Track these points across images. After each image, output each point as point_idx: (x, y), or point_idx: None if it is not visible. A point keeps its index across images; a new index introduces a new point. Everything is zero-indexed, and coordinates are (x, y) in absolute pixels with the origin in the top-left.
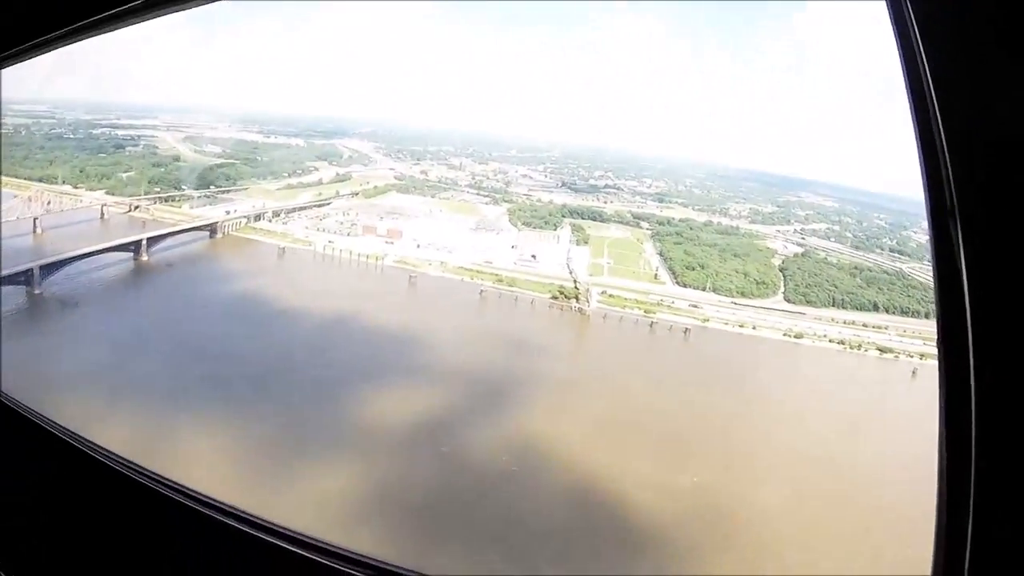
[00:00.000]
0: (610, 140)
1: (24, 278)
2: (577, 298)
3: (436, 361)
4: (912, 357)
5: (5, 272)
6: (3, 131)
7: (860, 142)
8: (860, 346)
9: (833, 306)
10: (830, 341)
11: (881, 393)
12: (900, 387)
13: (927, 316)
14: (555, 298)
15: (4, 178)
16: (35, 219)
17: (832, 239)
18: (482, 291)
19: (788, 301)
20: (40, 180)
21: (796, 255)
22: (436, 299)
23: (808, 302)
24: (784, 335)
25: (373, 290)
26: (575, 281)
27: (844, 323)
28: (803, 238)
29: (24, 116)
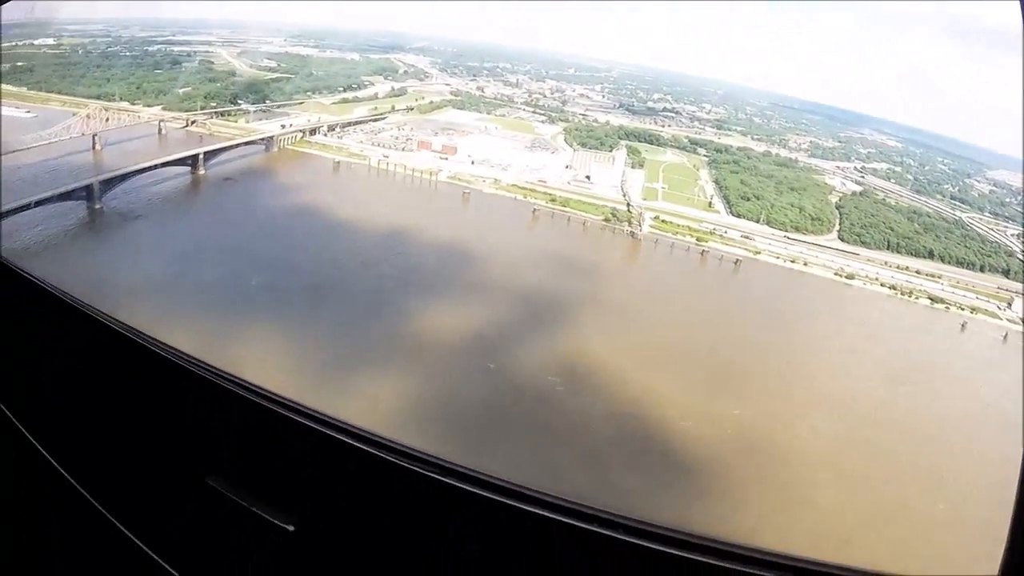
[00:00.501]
0: (669, 63)
1: (85, 193)
2: (629, 222)
3: (487, 278)
4: (963, 310)
5: (66, 188)
6: (61, 51)
7: (931, 83)
8: (911, 293)
9: (888, 249)
10: (881, 285)
11: (928, 344)
12: (948, 340)
13: (983, 269)
14: (607, 220)
15: (63, 97)
16: (94, 136)
17: (892, 180)
18: (535, 210)
19: (842, 240)
20: (98, 98)
21: (854, 193)
22: (489, 216)
23: (862, 243)
24: (835, 275)
25: (426, 205)
26: (628, 204)
27: (897, 268)
28: (862, 176)
29: (80, 36)
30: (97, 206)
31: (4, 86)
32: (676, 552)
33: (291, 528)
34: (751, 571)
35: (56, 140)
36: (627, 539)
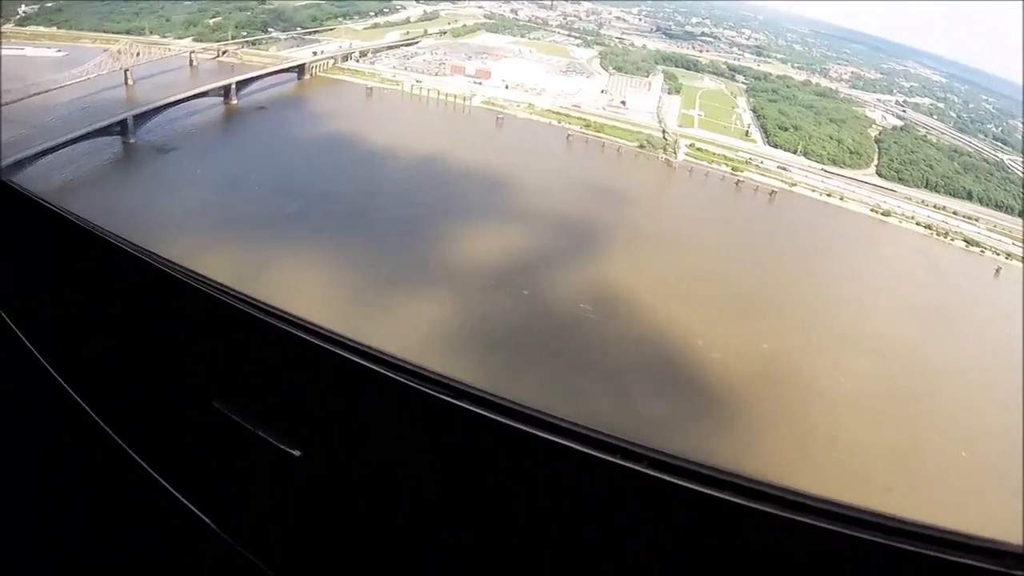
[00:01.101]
0: None
1: (119, 128)
2: (665, 149)
3: (520, 204)
4: (998, 255)
5: (100, 124)
6: None
7: (979, 18)
8: (947, 234)
9: (926, 187)
10: (917, 224)
11: (961, 288)
12: (981, 285)
13: (1023, 215)
14: (642, 147)
15: (93, 34)
16: (125, 71)
17: (934, 116)
18: (569, 135)
19: (880, 176)
20: (127, 33)
21: (894, 128)
22: (522, 142)
23: (900, 180)
24: (871, 211)
25: (460, 131)
26: (664, 131)
27: (934, 207)
28: (904, 111)
29: None
30: (131, 140)
31: (34, 27)
32: (699, 488)
33: (297, 453)
34: (788, 515)
35: (88, 77)
36: (649, 472)
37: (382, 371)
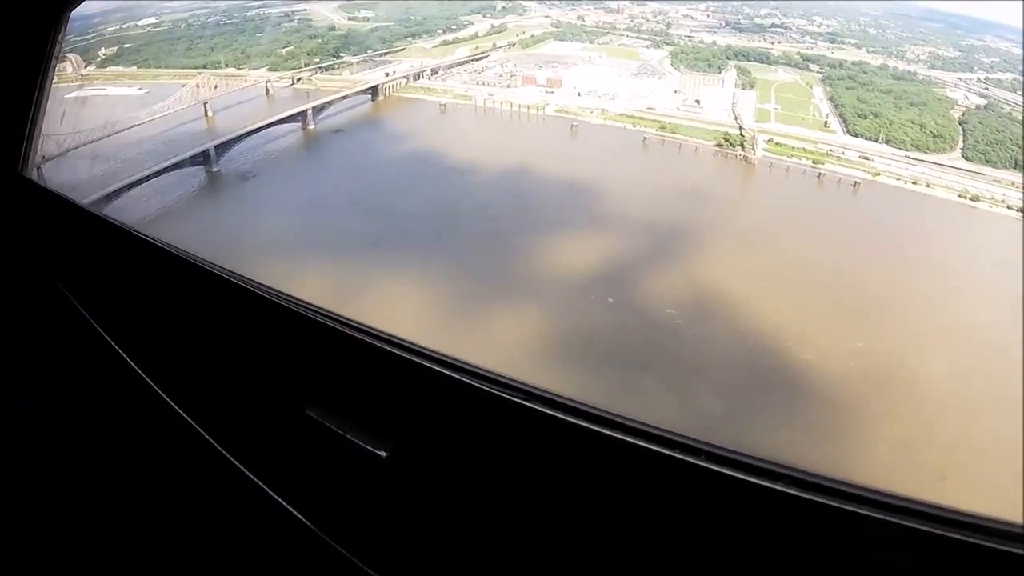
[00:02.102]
0: None
1: (202, 158)
2: (743, 145)
3: (600, 211)
4: None
5: (184, 155)
6: (163, 28)
7: None
8: None
9: (1015, 168)
10: (1008, 208)
11: None
12: None
13: None
14: (719, 145)
15: (171, 71)
16: (204, 104)
17: (1019, 92)
18: (645, 138)
19: (966, 159)
20: (204, 67)
21: (978, 107)
22: (599, 148)
23: (988, 161)
24: (959, 196)
25: (535, 141)
26: (740, 127)
27: (1022, 188)
28: (987, 88)
29: (181, 11)
30: (214, 169)
31: (115, 68)
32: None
33: (384, 455)
34: (844, 506)
35: (170, 112)
36: (707, 465)
37: (457, 376)
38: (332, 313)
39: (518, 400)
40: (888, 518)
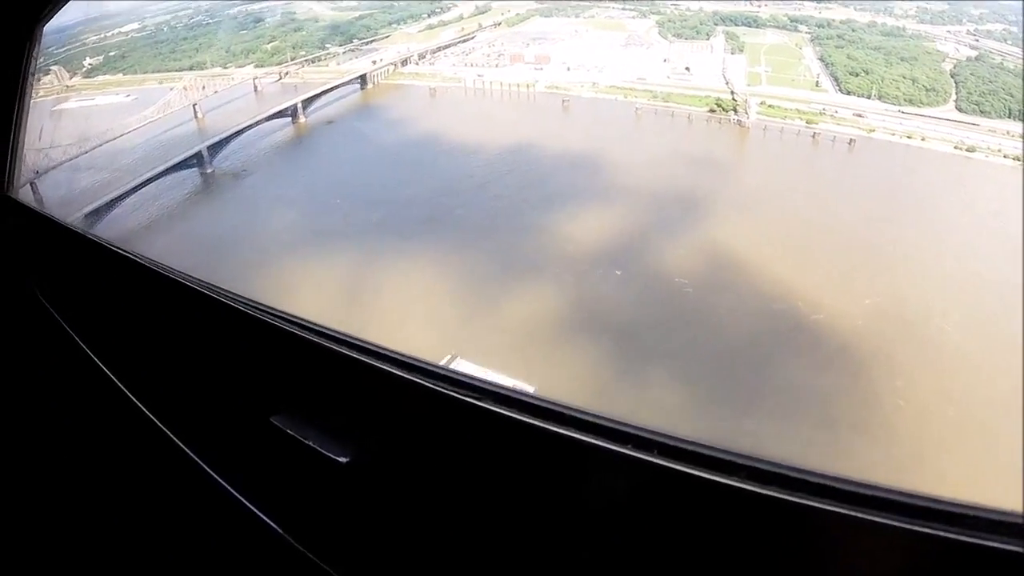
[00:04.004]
0: None
1: (195, 160)
2: (735, 110)
3: (598, 184)
4: None
5: (177, 159)
6: (147, 32)
7: None
8: None
9: (1009, 118)
10: (1004, 157)
11: None
12: None
13: None
14: (712, 111)
15: (158, 75)
16: (194, 105)
17: (1009, 41)
18: (637, 109)
19: (960, 111)
20: (190, 69)
21: (969, 59)
22: (592, 121)
23: (982, 112)
24: (955, 148)
25: (527, 119)
26: (732, 92)
27: (1020, 137)
28: (976, 40)
29: (163, 13)
30: (209, 170)
31: (101, 76)
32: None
33: (344, 460)
34: (805, 501)
35: (159, 116)
36: (659, 461)
37: (418, 380)
38: (296, 318)
39: (468, 399)
40: (859, 514)
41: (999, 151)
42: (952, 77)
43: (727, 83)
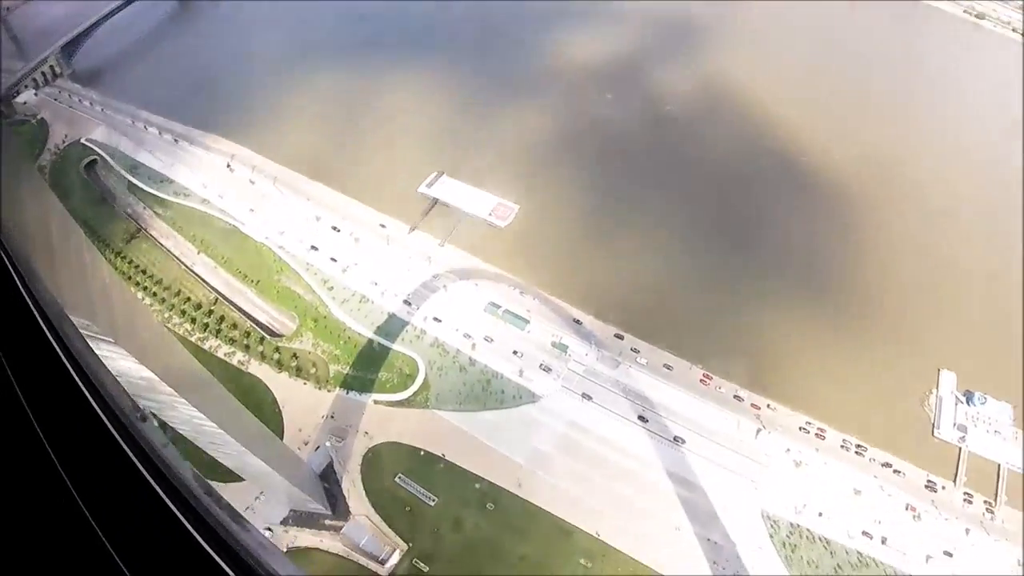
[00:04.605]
0: None
1: None
2: None
3: (599, 6)
4: None
5: None
6: None
7: None
8: None
9: None
10: (1013, 31)
11: None
12: None
13: None
14: None
15: None
16: None
17: None
18: None
19: None
20: None
21: None
22: None
23: None
24: (964, 12)
25: None
26: None
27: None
28: None
29: None
30: None
31: None
32: None
33: None
34: None
35: None
36: None
37: None
38: None
39: None
40: None
41: (1008, 24)
42: None
43: None
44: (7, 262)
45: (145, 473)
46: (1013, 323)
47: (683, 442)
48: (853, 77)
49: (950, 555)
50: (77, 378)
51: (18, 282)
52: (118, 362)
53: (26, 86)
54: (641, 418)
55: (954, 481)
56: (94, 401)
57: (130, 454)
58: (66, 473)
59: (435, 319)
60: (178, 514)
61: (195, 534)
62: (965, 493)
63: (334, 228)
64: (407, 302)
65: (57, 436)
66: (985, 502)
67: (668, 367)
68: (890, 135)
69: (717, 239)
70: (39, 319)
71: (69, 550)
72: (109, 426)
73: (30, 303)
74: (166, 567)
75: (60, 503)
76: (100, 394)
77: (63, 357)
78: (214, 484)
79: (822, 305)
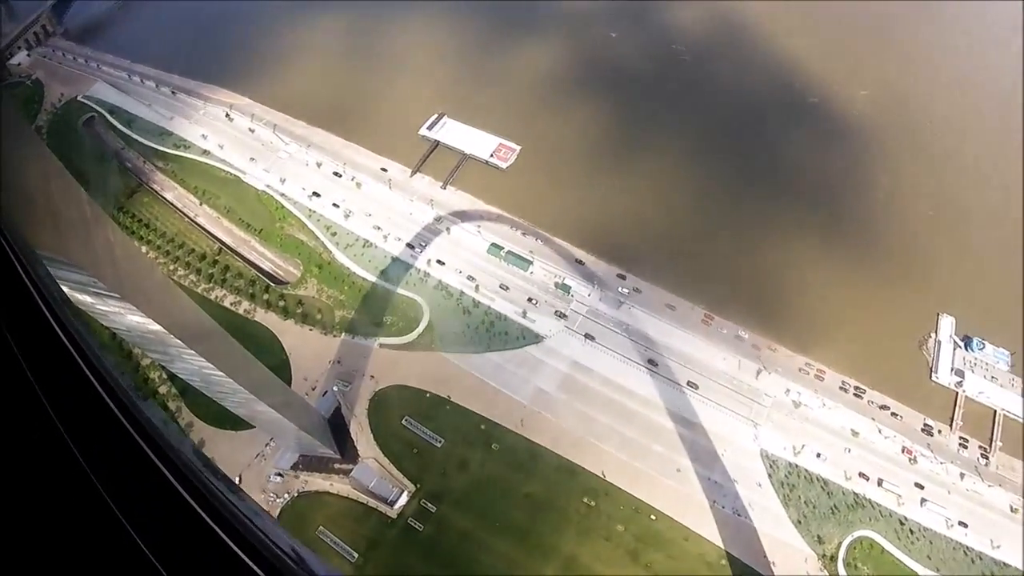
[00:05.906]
0: None
1: None
2: None
3: None
4: None
5: None
6: None
7: None
8: None
9: None
10: None
11: None
12: None
13: None
14: None
15: None
16: None
17: None
18: None
19: None
20: None
21: None
22: None
23: None
24: None
25: None
26: None
27: None
28: None
29: None
30: None
31: None
32: None
33: None
34: None
35: None
36: None
37: None
38: None
39: None
40: None
41: None
42: None
43: None
44: (8, 250)
45: (146, 449)
46: (1014, 270)
47: (694, 386)
48: (867, 15)
49: (945, 499)
50: (82, 364)
51: (20, 271)
52: (126, 317)
53: (19, 47)
54: (651, 361)
55: (950, 426)
56: (96, 383)
57: (133, 433)
58: (81, 455)
59: (438, 262)
60: (178, 486)
61: (192, 503)
62: (961, 438)
63: (336, 174)
64: (410, 245)
65: (65, 415)
66: (980, 447)
67: (671, 307)
68: (904, 74)
69: (720, 180)
70: (43, 307)
71: (76, 518)
72: (112, 407)
73: (32, 290)
74: (167, 532)
75: (71, 478)
76: (105, 379)
77: (63, 338)
78: (225, 432)
79: (825, 247)
